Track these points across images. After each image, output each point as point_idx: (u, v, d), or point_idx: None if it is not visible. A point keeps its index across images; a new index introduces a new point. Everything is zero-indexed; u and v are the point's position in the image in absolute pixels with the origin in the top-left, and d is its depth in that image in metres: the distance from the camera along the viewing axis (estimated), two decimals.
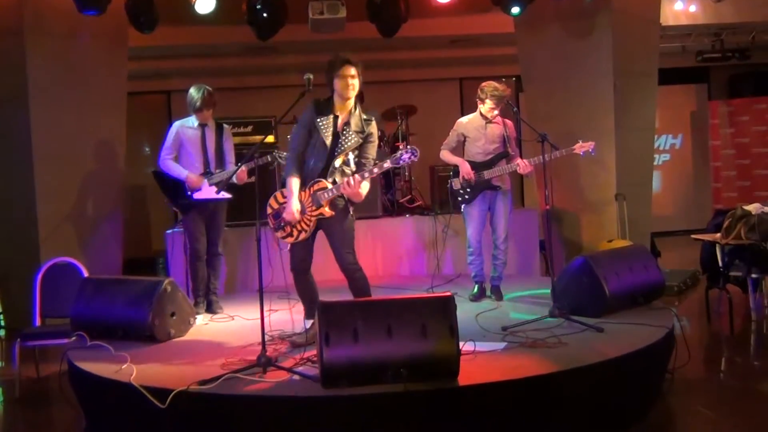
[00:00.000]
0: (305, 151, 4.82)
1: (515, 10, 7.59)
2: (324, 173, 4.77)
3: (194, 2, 7.24)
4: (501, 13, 7.90)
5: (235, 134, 7.10)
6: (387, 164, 4.70)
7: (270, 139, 7.38)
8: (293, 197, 4.74)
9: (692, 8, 9.87)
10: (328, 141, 4.74)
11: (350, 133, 4.77)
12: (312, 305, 4.90)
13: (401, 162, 4.66)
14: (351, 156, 4.81)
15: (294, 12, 7.66)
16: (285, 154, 6.08)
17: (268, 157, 5.97)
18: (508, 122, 6.17)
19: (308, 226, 4.79)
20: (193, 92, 5.98)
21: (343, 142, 4.76)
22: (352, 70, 4.70)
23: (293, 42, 9.08)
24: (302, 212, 4.76)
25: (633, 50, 7.98)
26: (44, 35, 7.19)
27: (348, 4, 7.60)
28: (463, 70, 12.06)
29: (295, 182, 4.75)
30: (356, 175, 4.69)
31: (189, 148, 6.04)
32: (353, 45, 8.79)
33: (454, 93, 12.43)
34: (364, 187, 4.77)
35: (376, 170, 4.77)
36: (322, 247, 4.98)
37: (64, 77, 7.35)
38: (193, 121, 6.05)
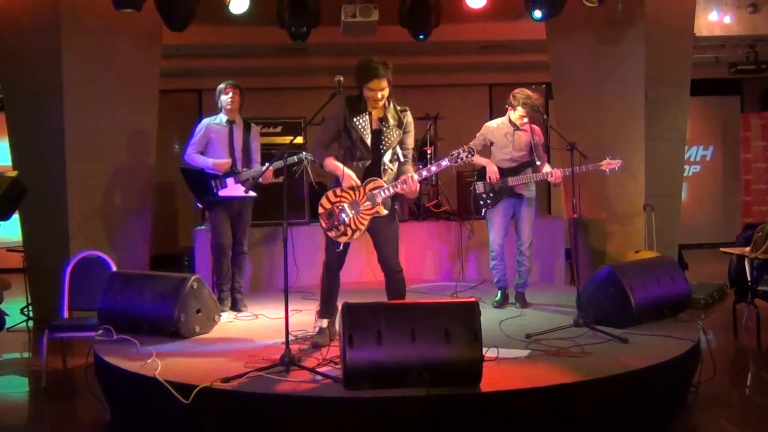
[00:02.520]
0: (336, 147, 4.85)
1: (537, 14, 7.43)
2: (373, 171, 4.79)
3: (228, 2, 7.30)
4: (532, 19, 7.87)
5: (264, 134, 7.15)
6: (445, 162, 4.74)
7: (299, 140, 7.42)
8: (341, 166, 4.75)
9: (727, 19, 9.77)
10: (368, 139, 4.75)
11: (390, 127, 4.78)
12: (331, 305, 4.93)
13: (458, 161, 4.69)
14: (398, 150, 4.83)
15: (326, 14, 7.70)
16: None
17: (295, 157, 6.01)
18: (536, 128, 6.16)
19: (363, 224, 4.78)
20: (221, 85, 6.11)
21: (385, 138, 4.77)
22: (383, 83, 4.67)
23: (325, 44, 9.12)
24: (357, 211, 4.77)
25: (666, 60, 7.91)
26: (80, 31, 7.28)
27: (380, 8, 7.63)
28: (493, 76, 12.05)
29: (334, 160, 4.79)
30: (413, 174, 4.71)
31: (216, 145, 6.10)
32: (384, 48, 8.80)
33: (483, 99, 12.41)
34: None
35: (434, 168, 4.86)
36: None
37: (98, 72, 7.44)
38: (221, 118, 6.12)
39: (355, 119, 4.75)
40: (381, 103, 4.74)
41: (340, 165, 4.76)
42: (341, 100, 4.80)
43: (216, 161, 6.02)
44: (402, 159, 4.85)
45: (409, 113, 4.89)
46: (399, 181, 4.72)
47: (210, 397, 3.92)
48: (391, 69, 4.71)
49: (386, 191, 4.72)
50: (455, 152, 4.68)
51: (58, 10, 7.16)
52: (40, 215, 7.63)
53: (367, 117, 4.77)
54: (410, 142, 4.90)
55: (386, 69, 4.67)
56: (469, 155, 4.67)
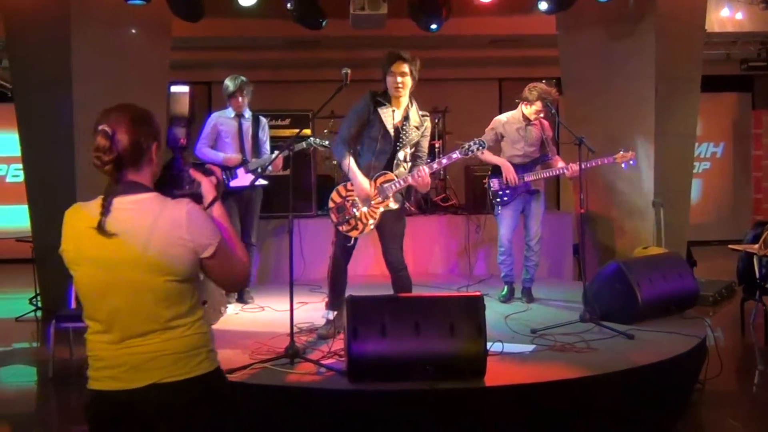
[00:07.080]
0: (356, 142, 4.82)
1: (543, 6, 7.44)
2: (388, 166, 4.79)
3: None
4: (543, 13, 7.84)
5: (272, 127, 7.16)
6: (456, 155, 4.78)
7: (306, 132, 7.41)
8: (359, 175, 4.71)
9: (738, 15, 9.71)
10: (391, 132, 4.73)
11: (410, 127, 4.78)
12: (339, 297, 4.92)
13: (469, 154, 4.74)
14: (410, 150, 4.84)
15: (335, 7, 7.68)
16: (319, 140, 6.13)
17: (304, 143, 6.02)
18: (545, 123, 6.12)
19: (374, 218, 4.78)
20: (228, 81, 6.09)
21: (404, 137, 4.77)
22: (404, 67, 4.67)
23: (333, 37, 9.10)
24: (368, 205, 4.76)
25: (676, 56, 7.87)
26: (90, 22, 7.30)
27: (389, 0, 7.60)
28: (503, 70, 12.00)
29: (353, 162, 4.74)
30: (425, 166, 4.72)
31: (226, 138, 6.12)
32: (393, 42, 8.78)
33: (493, 93, 12.36)
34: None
35: (445, 161, 4.89)
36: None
37: (107, 64, 7.44)
38: (230, 112, 6.14)
39: (380, 111, 4.74)
40: (402, 91, 4.71)
41: (358, 173, 4.72)
42: (366, 95, 4.80)
43: (226, 156, 6.03)
44: (414, 160, 4.86)
45: (428, 119, 4.93)
46: (411, 174, 4.72)
47: None
48: (417, 62, 4.75)
49: (398, 184, 4.72)
50: (466, 144, 4.71)
51: (68, 3, 7.17)
52: (48, 205, 7.64)
53: (391, 112, 4.75)
54: (425, 145, 4.93)
55: (410, 57, 4.72)
56: (480, 148, 4.71)
